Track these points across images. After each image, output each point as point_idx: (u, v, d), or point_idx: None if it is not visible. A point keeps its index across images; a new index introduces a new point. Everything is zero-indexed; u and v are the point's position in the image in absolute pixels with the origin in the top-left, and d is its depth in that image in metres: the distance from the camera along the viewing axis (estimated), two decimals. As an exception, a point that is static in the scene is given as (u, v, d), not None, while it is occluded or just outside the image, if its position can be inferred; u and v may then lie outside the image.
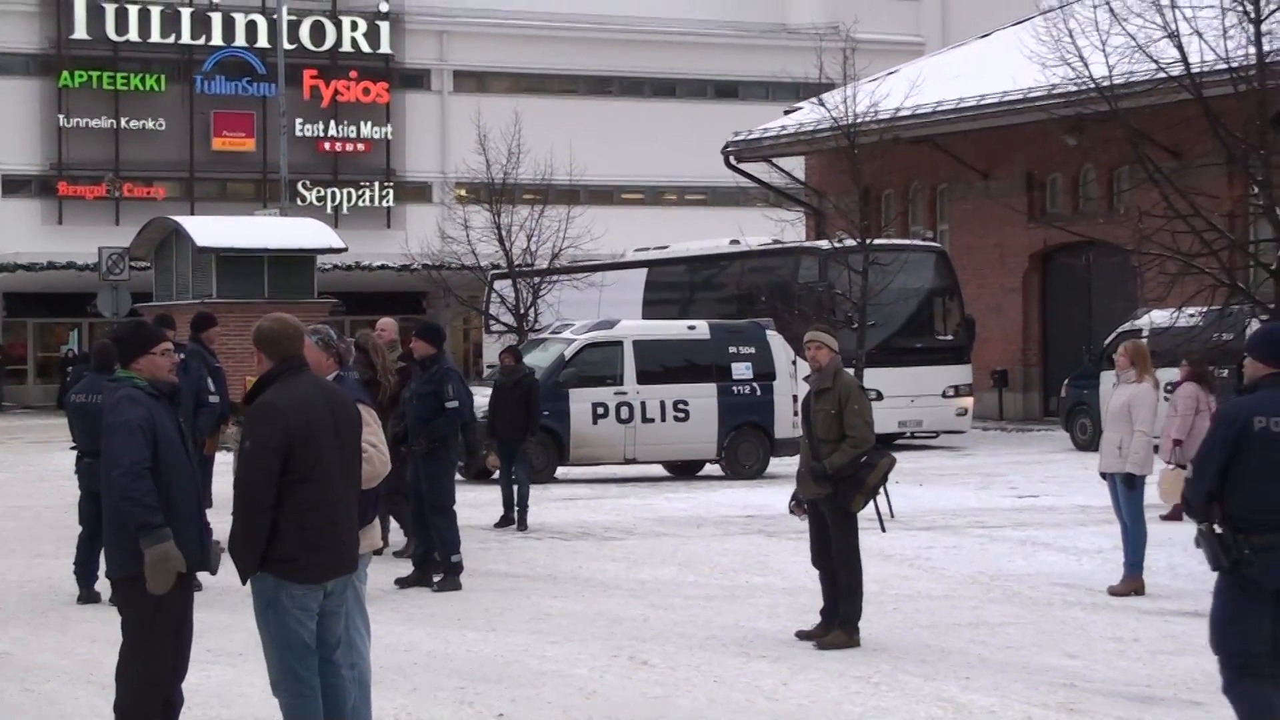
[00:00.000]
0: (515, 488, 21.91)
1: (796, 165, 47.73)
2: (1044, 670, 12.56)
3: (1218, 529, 9.07)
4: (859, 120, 34.57)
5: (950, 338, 35.87)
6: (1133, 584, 16.27)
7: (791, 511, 14.28)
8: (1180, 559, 17.75)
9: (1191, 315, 22.19)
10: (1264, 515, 8.94)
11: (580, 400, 28.16)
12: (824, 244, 35.74)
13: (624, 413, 28.28)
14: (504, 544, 20.08)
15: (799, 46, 45.21)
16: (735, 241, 38.21)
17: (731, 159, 47.51)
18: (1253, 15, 21.10)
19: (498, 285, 40.80)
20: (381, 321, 19.13)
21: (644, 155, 63.32)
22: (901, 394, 34.15)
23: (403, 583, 16.77)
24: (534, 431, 22.93)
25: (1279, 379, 9.10)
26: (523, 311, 39.24)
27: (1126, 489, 16.35)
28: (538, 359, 28.92)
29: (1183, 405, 20.97)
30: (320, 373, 9.98)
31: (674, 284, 39.77)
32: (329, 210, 59.69)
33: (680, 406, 28.48)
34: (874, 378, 32.11)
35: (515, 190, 41.31)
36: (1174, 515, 19.13)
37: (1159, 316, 23.90)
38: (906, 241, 38.63)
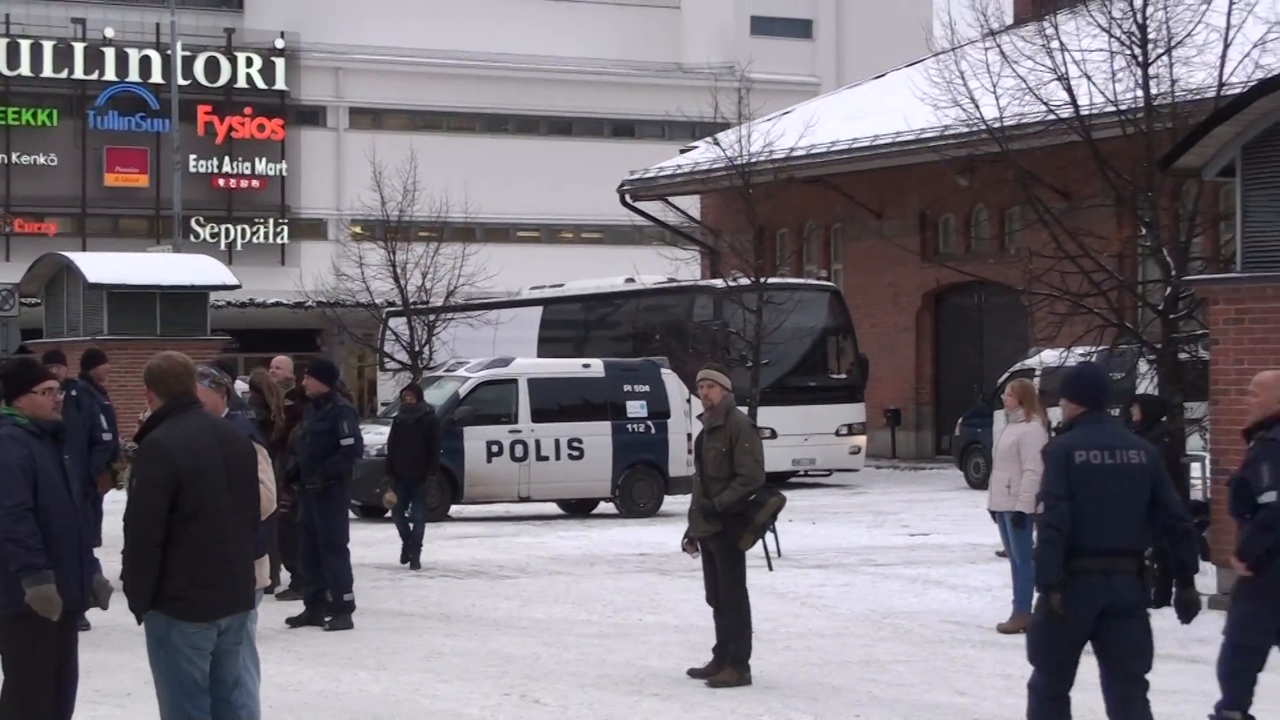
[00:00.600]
0: (411, 526, 21.84)
1: (692, 204, 47.91)
2: (933, 708, 12.64)
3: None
4: (753, 160, 34.76)
5: (844, 376, 36.06)
6: (1021, 621, 16.36)
7: (684, 549, 14.32)
8: (1069, 596, 17.88)
9: (1082, 355, 22.40)
10: (1083, 542, 9.54)
11: (475, 438, 28.12)
12: (719, 283, 35.86)
13: (518, 451, 28.26)
14: (396, 582, 20.01)
15: (695, 86, 45.44)
16: (631, 280, 38.29)
17: (627, 197, 47.63)
18: (1140, 59, 21.40)
19: (392, 323, 40.68)
20: (276, 360, 19.04)
21: (540, 193, 63.37)
22: (795, 432, 34.28)
23: (294, 622, 16.68)
24: (434, 470, 22.88)
25: (1092, 415, 9.76)
26: (417, 349, 39.13)
27: (1015, 527, 16.49)
28: (432, 397, 28.83)
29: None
30: (215, 413, 9.95)
31: (569, 322, 39.80)
32: (223, 247, 59.35)
33: (575, 445, 28.49)
34: (768, 416, 32.24)
35: (410, 227, 41.23)
36: None
37: (1049, 356, 24.14)
38: (800, 280, 38.84)
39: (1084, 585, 9.58)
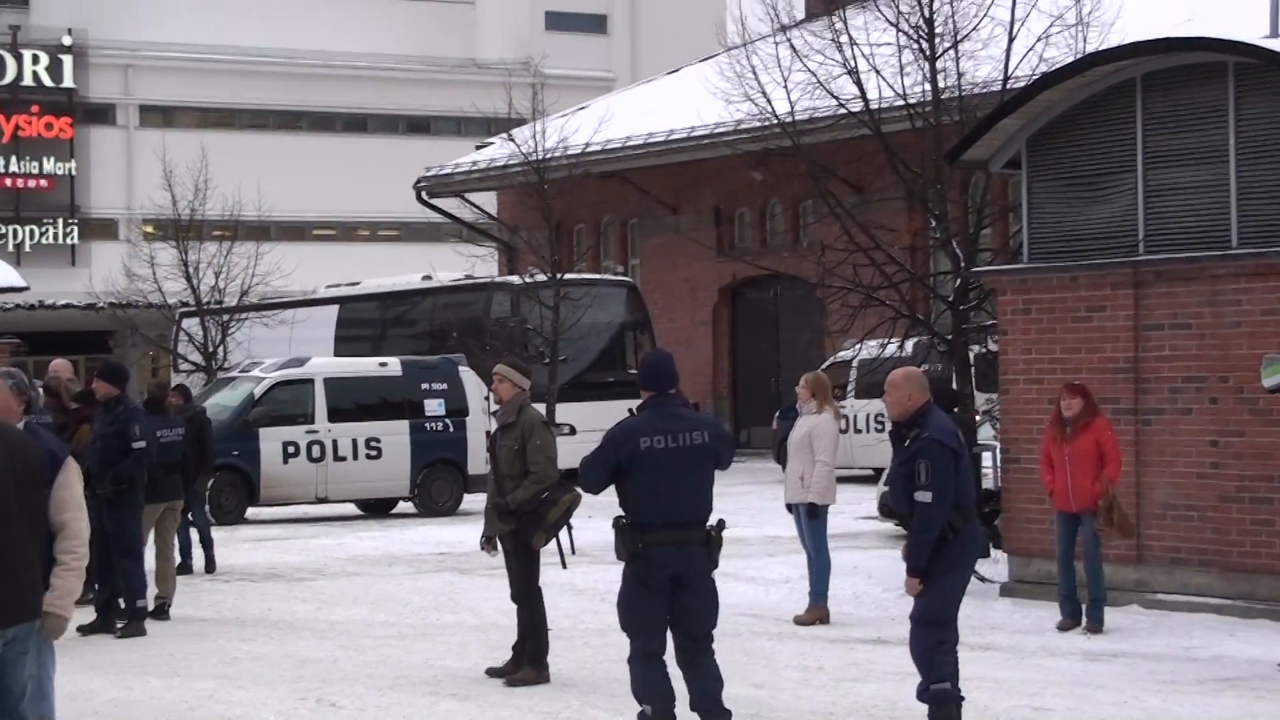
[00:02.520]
0: (193, 531, 21.37)
1: (489, 200, 47.76)
2: (730, 700, 12.59)
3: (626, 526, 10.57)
4: (548, 155, 34.71)
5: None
6: (817, 613, 16.54)
7: (483, 548, 14.25)
8: (864, 587, 18.09)
9: (897, 347, 22.57)
10: (654, 517, 10.47)
11: (270, 439, 27.82)
12: (516, 279, 35.79)
13: (315, 451, 28.00)
14: (191, 587, 19.71)
15: (490, 82, 45.25)
16: (428, 277, 38.08)
17: (423, 194, 47.39)
18: (928, 53, 21.62)
19: (186, 323, 40.12)
20: (54, 363, 18.70)
21: (336, 191, 62.82)
22: (595, 428, 34.09)
23: (85, 630, 16.37)
24: (208, 471, 22.29)
25: (658, 399, 10.75)
26: (211, 350, 38.63)
27: (810, 519, 16.62)
28: (226, 398, 28.52)
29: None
30: (8, 417, 9.70)
31: (366, 320, 39.50)
32: (10, 248, 58.19)
33: (373, 444, 28.30)
34: (567, 412, 32.22)
35: (203, 226, 40.67)
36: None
37: (869, 348, 24.32)
38: (597, 276, 38.86)
39: (658, 555, 10.48)
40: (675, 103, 41.38)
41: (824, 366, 27.00)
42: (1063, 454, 15.74)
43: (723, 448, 10.85)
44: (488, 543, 14.03)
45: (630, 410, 10.93)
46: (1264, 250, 15.98)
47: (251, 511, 27.84)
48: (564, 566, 13.97)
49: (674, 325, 41.26)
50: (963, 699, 11.08)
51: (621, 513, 10.69)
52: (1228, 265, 16.23)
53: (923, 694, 11.09)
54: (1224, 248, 16.32)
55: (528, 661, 13.58)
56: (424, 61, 65.94)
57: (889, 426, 11.48)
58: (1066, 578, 15.81)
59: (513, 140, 36.20)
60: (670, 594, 10.59)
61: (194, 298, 39.46)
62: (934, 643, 11.02)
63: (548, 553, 13.75)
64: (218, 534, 22.04)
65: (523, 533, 13.50)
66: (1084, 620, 15.66)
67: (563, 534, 13.64)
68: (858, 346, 23.83)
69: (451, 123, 63.58)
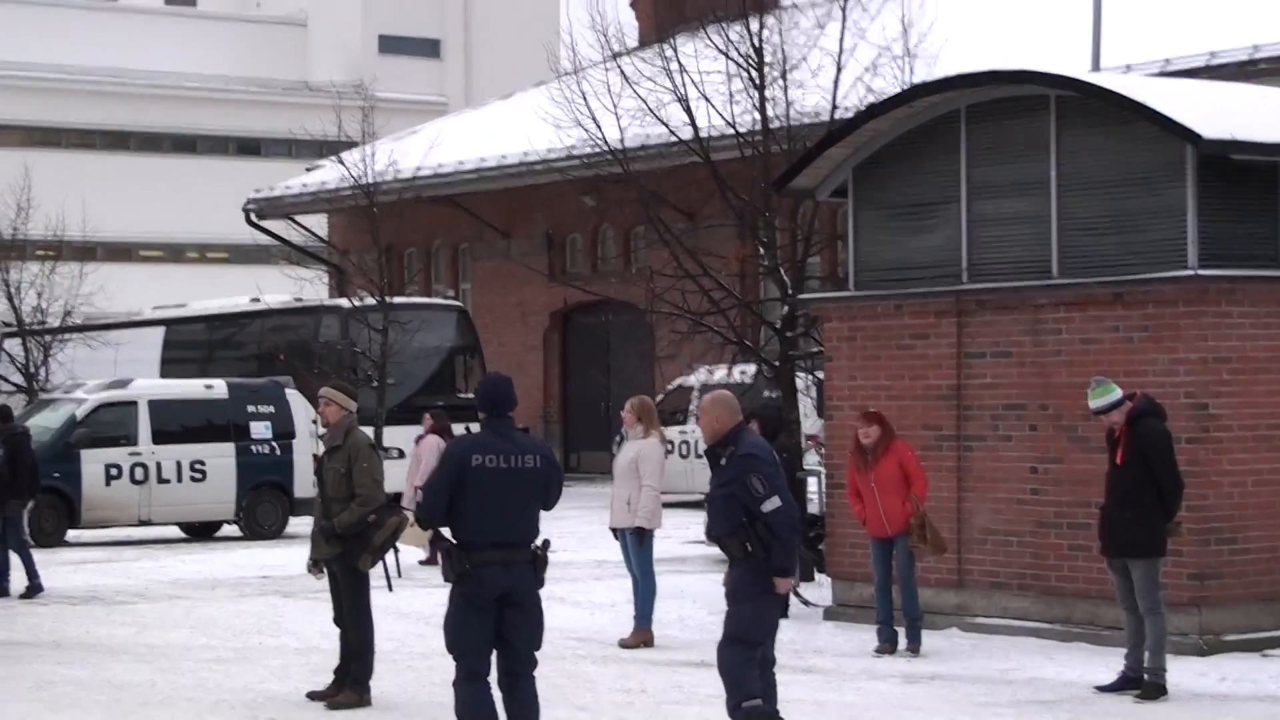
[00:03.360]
0: (11, 554, 20.88)
1: (319, 223, 47.44)
2: (554, 724, 12.66)
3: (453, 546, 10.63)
4: (378, 179, 34.54)
5: (472, 395, 35.99)
6: (642, 636, 16.57)
7: (309, 572, 14.14)
8: (689, 610, 18.15)
9: (742, 373, 22.67)
10: (483, 536, 10.53)
11: (93, 461, 27.44)
12: (345, 302, 35.57)
13: (139, 473, 27.67)
14: (8, 610, 19.39)
15: (321, 104, 44.98)
16: (256, 300, 37.74)
17: (252, 216, 46.98)
18: (757, 82, 21.80)
19: (6, 344, 39.46)
20: None
21: (164, 211, 62.16)
22: (423, 452, 34.12)
23: (-104, 653, 16.05)
24: (31, 493, 21.72)
25: (493, 421, 10.79)
26: (33, 370, 38.04)
27: (636, 543, 16.66)
28: (48, 419, 28.09)
29: (427, 457, 22.22)
30: None
31: (193, 342, 39.09)
32: None
33: (197, 466, 28.01)
34: (395, 436, 32.03)
35: (25, 246, 40.06)
36: (431, 559, 20.56)
37: (718, 374, 24.41)
38: (427, 300, 38.73)
39: (487, 574, 10.54)
40: (507, 128, 41.35)
41: (667, 391, 27.15)
42: (868, 481, 15.89)
43: (554, 475, 10.89)
44: (314, 566, 13.92)
45: (467, 429, 11.00)
46: (1083, 281, 16.24)
47: (72, 534, 27.42)
48: (390, 589, 13.89)
49: (505, 350, 41.21)
50: (775, 713, 11.15)
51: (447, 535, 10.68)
52: (1048, 295, 16.48)
53: (734, 711, 11.15)
54: (1045, 278, 16.57)
55: (350, 684, 13.49)
56: (255, 82, 65.47)
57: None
58: (884, 604, 15.95)
59: (342, 163, 35.99)
60: (497, 614, 10.62)
61: (15, 318, 38.83)
62: (743, 660, 11.13)
63: (374, 576, 13.67)
64: (37, 556, 21.63)
65: (349, 556, 13.42)
66: (903, 641, 15.81)
67: (389, 557, 13.59)
68: (701, 371, 23.99)
69: (282, 145, 63.14)
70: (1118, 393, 13.92)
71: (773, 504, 10.98)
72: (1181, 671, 14.08)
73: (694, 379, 28.91)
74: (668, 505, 28.21)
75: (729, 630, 11.20)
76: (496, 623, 10.65)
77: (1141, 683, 13.68)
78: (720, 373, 24.11)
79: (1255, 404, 15.64)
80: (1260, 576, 15.58)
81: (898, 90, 19.57)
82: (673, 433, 27.56)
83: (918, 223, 17.65)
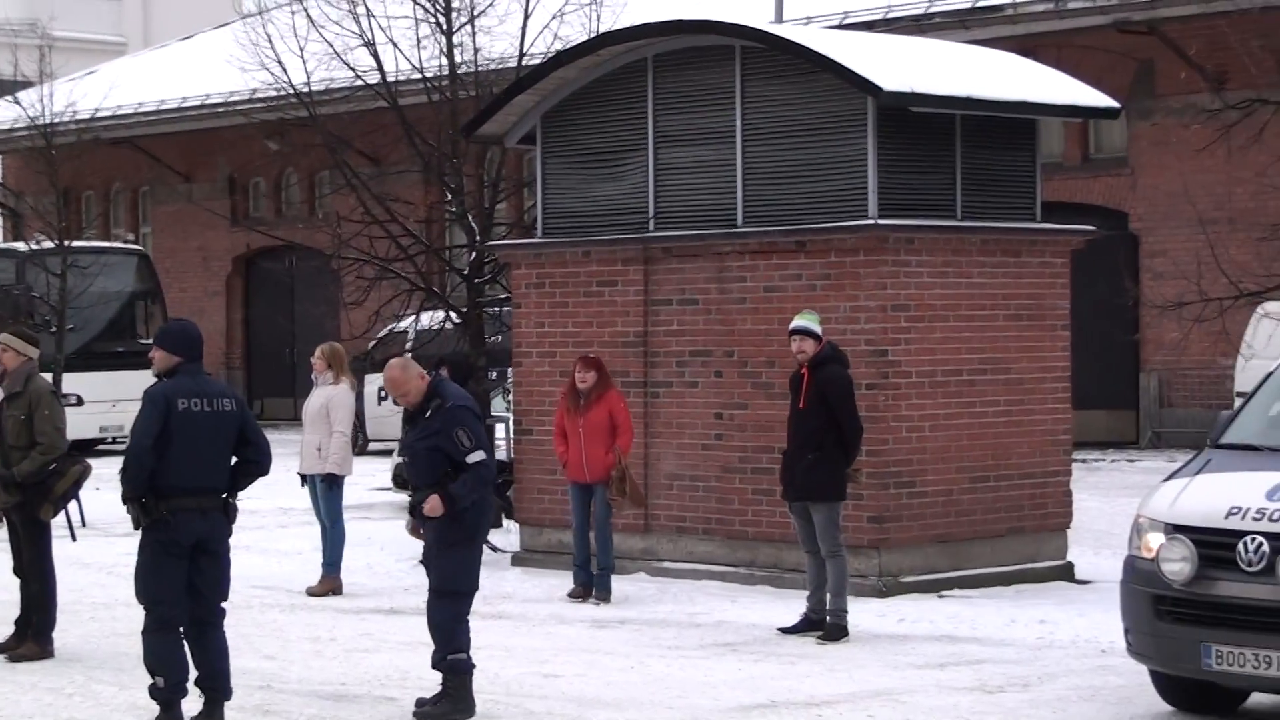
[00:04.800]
0: None
1: (-7, 165, 46.11)
2: (241, 673, 12.46)
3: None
4: (56, 120, 33.66)
5: (153, 341, 35.28)
6: (330, 584, 16.50)
7: (-9, 522, 13.80)
8: (378, 558, 18.11)
9: (448, 322, 22.53)
10: (183, 481, 10.46)
11: None
12: (21, 246, 34.64)
13: None
14: None
15: (-6, 42, 43.68)
16: (-74, 243, 36.58)
17: (-79, 156, 45.47)
18: (444, 27, 21.72)
19: None
20: None
21: None
22: (103, 398, 33.41)
23: None
24: None
25: (189, 365, 10.70)
26: None
27: (327, 489, 16.57)
28: None
29: None
30: None
31: None
32: None
33: None
34: (74, 382, 31.31)
35: None
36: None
37: (427, 320, 24.20)
38: (107, 244, 37.86)
39: (183, 520, 10.46)
40: (189, 69, 40.61)
41: (380, 337, 26.84)
42: (576, 426, 16.00)
43: (248, 419, 10.85)
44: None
45: (158, 377, 10.78)
46: (767, 229, 16.50)
47: None
48: (74, 539, 13.63)
49: (186, 295, 40.52)
50: (473, 666, 11.20)
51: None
52: (733, 243, 16.71)
53: (439, 663, 11.17)
54: (730, 226, 16.80)
55: (32, 636, 13.22)
56: (-77, 18, 63.24)
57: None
58: (581, 547, 16.07)
59: (18, 103, 35.00)
60: (191, 561, 10.54)
61: None
62: (455, 613, 11.15)
63: (56, 525, 13.40)
64: None
65: (30, 505, 13.13)
66: (593, 589, 15.95)
67: (71, 506, 13.32)
68: (415, 318, 23.82)
69: (-48, 83, 61.14)
70: (817, 329, 14.14)
71: (477, 456, 10.98)
72: (862, 612, 14.44)
73: (407, 325, 28.70)
74: (377, 452, 28.15)
75: (435, 584, 11.19)
76: (189, 571, 10.56)
77: (823, 624, 13.98)
78: (422, 320, 23.98)
79: (932, 350, 16.07)
80: (936, 519, 16.04)
81: (585, 38, 19.66)
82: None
83: (605, 170, 17.76)
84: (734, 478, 16.57)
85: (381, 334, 29.67)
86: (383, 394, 24.37)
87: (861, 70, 15.76)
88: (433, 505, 11.06)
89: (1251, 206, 24.89)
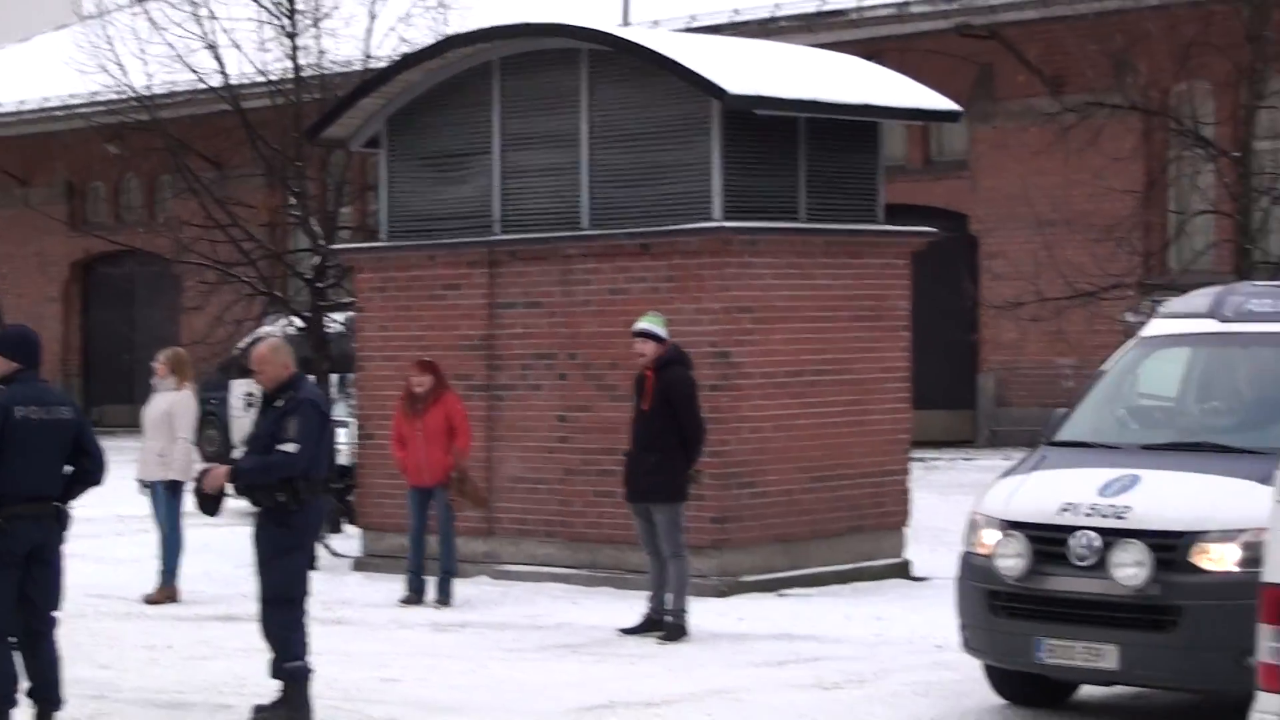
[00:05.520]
0: None
1: None
2: (75, 683, 12.24)
3: None
4: (-110, 122, 33.13)
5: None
6: (168, 591, 16.30)
7: None
8: (215, 564, 17.91)
9: (339, 323, 22.29)
10: (19, 489, 10.32)
11: None
12: None
13: None
14: None
15: None
16: None
17: None
18: (289, 29, 21.57)
19: None
20: None
21: None
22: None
23: None
24: None
25: (27, 373, 10.53)
26: None
27: (169, 495, 16.37)
28: None
29: None
30: None
31: None
32: None
33: None
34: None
35: None
36: None
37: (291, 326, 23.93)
38: (-58, 249, 37.31)
39: (21, 530, 10.36)
40: (27, 72, 40.02)
41: (247, 343, 26.54)
42: (414, 430, 15.92)
43: (85, 426, 10.73)
44: None
45: None
46: (612, 232, 16.50)
47: None
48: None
49: (23, 301, 39.93)
50: (311, 672, 11.10)
51: None
52: (578, 246, 16.71)
53: (277, 671, 11.05)
54: (575, 229, 16.79)
55: None
56: None
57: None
58: (417, 553, 15.98)
59: None
60: (24, 570, 10.42)
61: None
62: (289, 621, 11.04)
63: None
64: None
65: None
66: (434, 593, 15.86)
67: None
68: (281, 322, 23.58)
69: None
70: (661, 331, 14.15)
71: (289, 447, 10.87)
72: (703, 612, 14.46)
73: (274, 329, 28.39)
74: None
75: (266, 593, 11.06)
76: (21, 580, 10.43)
77: (664, 624, 14.01)
78: (289, 322, 23.75)
79: (774, 352, 16.15)
80: (776, 519, 16.12)
81: (431, 41, 19.58)
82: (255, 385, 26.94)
83: (451, 174, 17.69)
84: (577, 480, 16.56)
85: (248, 339, 29.37)
86: (249, 399, 24.05)
87: (706, 73, 15.81)
88: (214, 475, 11.15)
89: (1088, 208, 25.20)
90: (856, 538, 16.72)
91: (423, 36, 21.37)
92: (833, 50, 20.33)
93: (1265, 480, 7.39)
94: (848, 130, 16.90)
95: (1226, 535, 10.17)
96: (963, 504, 11.98)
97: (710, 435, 14.67)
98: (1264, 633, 6.54)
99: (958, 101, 18.75)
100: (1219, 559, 10.19)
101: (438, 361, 16.37)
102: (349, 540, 18.79)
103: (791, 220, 16.53)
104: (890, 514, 16.96)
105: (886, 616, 14.70)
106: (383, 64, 19.90)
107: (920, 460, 20.99)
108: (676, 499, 14.10)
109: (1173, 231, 23.89)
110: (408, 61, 18.08)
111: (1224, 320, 11.43)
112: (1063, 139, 22.31)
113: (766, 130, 16.29)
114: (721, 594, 15.56)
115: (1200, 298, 11.86)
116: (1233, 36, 20.13)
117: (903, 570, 16.90)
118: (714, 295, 15.89)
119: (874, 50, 24.81)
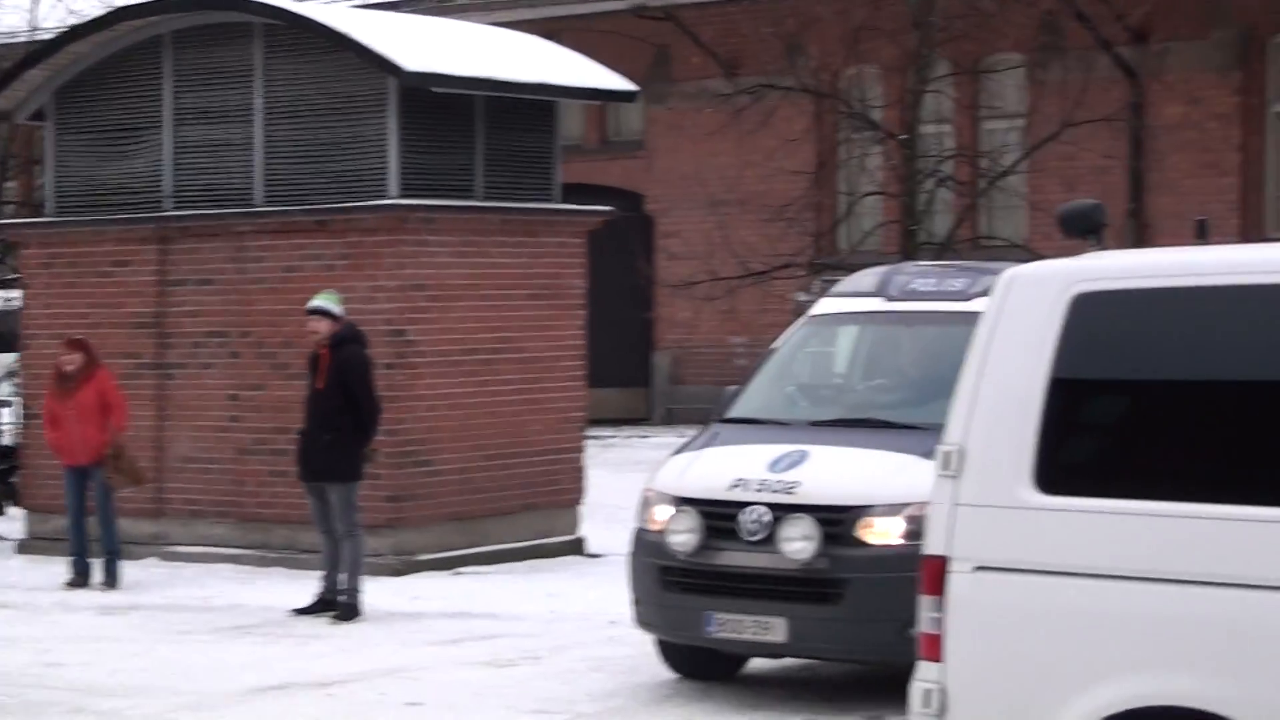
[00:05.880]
0: None
1: None
2: None
3: None
4: None
5: None
6: None
7: None
8: None
9: (11, 300, 21.53)
10: None
11: None
12: None
13: None
14: None
15: None
16: None
17: None
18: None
19: None
20: None
21: None
22: None
23: None
24: None
25: None
26: None
27: None
28: None
29: None
30: None
31: None
32: None
33: None
34: None
35: None
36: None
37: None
38: None
39: None
40: None
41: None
42: (66, 409, 15.53)
43: None
44: None
45: None
46: (286, 209, 16.32)
47: None
48: None
49: None
50: None
51: None
52: (251, 223, 16.49)
53: None
54: (249, 205, 16.56)
55: None
56: None
57: None
58: (78, 535, 15.59)
59: None
60: None
61: None
62: None
63: None
64: None
65: None
66: (100, 576, 15.53)
67: None
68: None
69: None
70: (336, 309, 14.02)
71: None
72: (378, 592, 14.39)
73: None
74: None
75: None
76: None
77: (337, 604, 13.91)
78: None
79: (450, 330, 16.12)
80: (451, 497, 16.11)
81: (100, 13, 19.14)
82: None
83: (121, 148, 17.32)
84: (249, 459, 16.36)
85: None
86: None
87: (382, 50, 15.72)
88: None
89: (761, 189, 25.55)
90: (532, 515, 16.77)
91: (92, 7, 20.89)
92: (511, 29, 20.35)
93: (928, 455, 7.57)
94: (525, 109, 16.93)
95: (891, 509, 10.42)
96: (637, 481, 12.09)
97: (385, 414, 14.59)
98: (924, 603, 6.71)
99: (635, 82, 18.87)
100: (883, 533, 10.44)
101: (91, 340, 15.94)
102: (13, 523, 18.33)
103: (468, 198, 16.51)
104: (565, 491, 17.06)
105: (561, 593, 14.79)
106: (50, 35, 19.40)
107: (596, 438, 21.12)
108: (351, 478, 14.00)
109: (842, 212, 24.41)
110: (76, 33, 17.64)
111: (889, 299, 11.71)
112: (736, 120, 22.60)
113: (444, 108, 16.24)
114: (397, 573, 15.50)
115: (867, 277, 12.14)
116: (900, 22, 20.57)
117: (578, 547, 17.01)
118: (390, 273, 15.81)
119: (552, 29, 24.84)
